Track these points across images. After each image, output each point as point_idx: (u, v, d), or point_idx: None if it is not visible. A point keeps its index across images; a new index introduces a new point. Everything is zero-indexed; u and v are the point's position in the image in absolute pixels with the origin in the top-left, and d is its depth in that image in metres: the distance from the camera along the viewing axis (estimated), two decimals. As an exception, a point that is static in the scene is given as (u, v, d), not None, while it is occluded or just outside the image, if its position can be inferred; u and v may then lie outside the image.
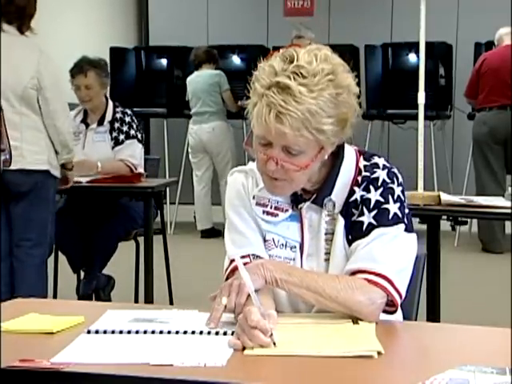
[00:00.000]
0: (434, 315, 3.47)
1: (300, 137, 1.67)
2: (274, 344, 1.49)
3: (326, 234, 1.82)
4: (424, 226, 3.49)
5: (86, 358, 1.46)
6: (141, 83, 8.37)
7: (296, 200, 1.85)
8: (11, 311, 1.77)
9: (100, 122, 4.70)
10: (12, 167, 3.65)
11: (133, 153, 4.66)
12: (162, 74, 8.25)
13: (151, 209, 4.50)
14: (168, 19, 9.15)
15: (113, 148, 4.66)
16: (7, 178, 3.68)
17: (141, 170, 4.69)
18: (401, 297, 1.75)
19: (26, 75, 3.70)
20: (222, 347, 1.51)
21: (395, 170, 1.83)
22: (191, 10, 9.10)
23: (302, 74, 1.67)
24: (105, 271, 4.65)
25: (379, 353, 1.46)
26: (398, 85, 7.68)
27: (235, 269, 1.81)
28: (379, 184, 1.80)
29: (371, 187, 1.80)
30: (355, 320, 1.68)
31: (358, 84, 1.77)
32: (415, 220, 2.98)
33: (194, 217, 7.85)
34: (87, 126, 4.72)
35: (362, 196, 1.80)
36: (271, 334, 1.50)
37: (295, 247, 1.84)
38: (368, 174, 1.81)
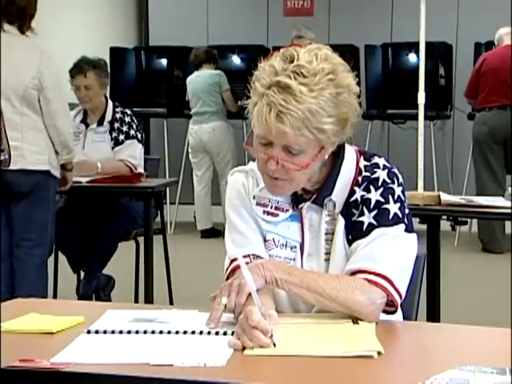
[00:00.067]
0: (434, 315, 3.47)
1: (300, 136, 1.67)
2: (274, 345, 1.49)
3: (326, 233, 1.82)
4: (424, 226, 3.49)
5: (86, 358, 1.46)
6: (141, 83, 8.37)
7: (296, 200, 1.85)
8: (11, 311, 1.77)
9: (100, 122, 4.70)
10: (13, 167, 3.65)
11: (133, 153, 4.66)
12: (161, 74, 8.25)
13: (151, 209, 4.50)
14: (168, 19, 9.15)
15: (113, 148, 4.66)
16: (8, 178, 3.68)
17: (141, 170, 4.69)
18: (401, 297, 1.75)
19: (27, 75, 3.70)
20: (222, 347, 1.51)
21: (395, 170, 1.84)
22: (191, 10, 9.10)
23: (302, 73, 1.67)
24: (105, 271, 4.65)
25: (379, 353, 1.46)
26: (398, 85, 7.68)
27: (235, 269, 1.81)
28: (379, 184, 1.80)
29: (371, 187, 1.80)
30: (355, 320, 1.68)
31: (358, 84, 1.77)
32: (415, 220, 2.98)
33: (194, 217, 7.85)
34: (87, 126, 4.72)
35: (362, 196, 1.80)
36: (271, 335, 1.50)
37: (295, 247, 1.84)
38: (368, 174, 1.81)
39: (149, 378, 1.37)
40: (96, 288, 4.56)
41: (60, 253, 4.64)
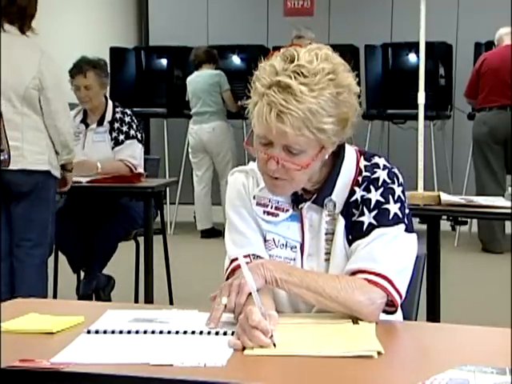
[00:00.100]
0: (434, 315, 3.47)
1: (301, 136, 1.67)
2: (274, 345, 1.49)
3: (326, 234, 1.82)
4: (424, 226, 3.49)
5: (86, 358, 1.46)
6: (141, 83, 8.37)
7: (296, 200, 1.85)
8: (11, 311, 1.77)
9: (100, 123, 4.70)
10: (13, 167, 3.65)
11: (133, 153, 4.66)
12: (161, 74, 8.25)
13: (151, 209, 4.50)
14: (168, 19, 9.15)
15: (113, 148, 4.66)
16: (8, 178, 3.68)
17: (141, 170, 4.69)
18: (401, 297, 1.75)
19: (28, 75, 3.70)
20: (222, 347, 1.51)
21: (396, 170, 1.84)
22: (191, 10, 9.10)
23: (302, 73, 1.67)
24: (105, 271, 4.65)
25: (379, 353, 1.46)
26: (398, 85, 7.68)
27: (235, 269, 1.81)
28: (380, 184, 1.80)
29: (372, 187, 1.80)
30: (355, 320, 1.68)
31: (358, 84, 1.77)
32: (415, 220, 2.98)
33: (194, 217, 7.85)
34: (87, 126, 4.72)
35: (362, 196, 1.80)
36: (271, 335, 1.50)
37: (296, 247, 1.84)
38: (368, 174, 1.81)
39: (149, 378, 1.37)
40: (96, 288, 4.56)
41: (60, 253, 4.64)
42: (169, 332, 1.61)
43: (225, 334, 1.59)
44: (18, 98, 3.71)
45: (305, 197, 1.84)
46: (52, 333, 1.63)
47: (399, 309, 1.81)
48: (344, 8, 8.70)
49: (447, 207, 3.43)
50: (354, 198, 1.81)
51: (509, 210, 3.30)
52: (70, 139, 3.89)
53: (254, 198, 1.88)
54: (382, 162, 1.83)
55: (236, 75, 7.52)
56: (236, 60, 8.24)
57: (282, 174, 1.73)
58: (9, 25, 3.70)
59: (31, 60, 3.72)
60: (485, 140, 6.73)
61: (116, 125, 4.68)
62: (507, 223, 6.58)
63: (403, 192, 1.82)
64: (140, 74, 8.42)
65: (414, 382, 1.29)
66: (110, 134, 4.68)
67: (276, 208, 1.86)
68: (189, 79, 7.55)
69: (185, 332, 1.61)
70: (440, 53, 7.38)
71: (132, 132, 4.69)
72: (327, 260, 1.82)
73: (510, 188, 3.51)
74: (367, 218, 1.78)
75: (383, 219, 1.77)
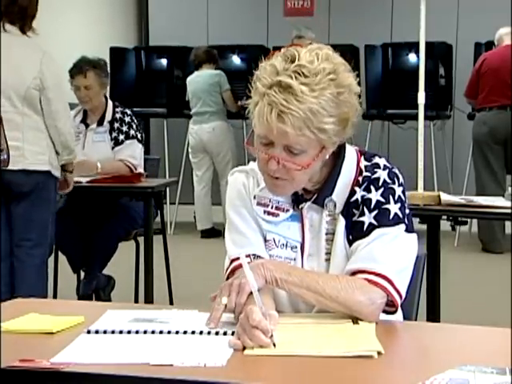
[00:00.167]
0: (434, 315, 3.47)
1: (302, 136, 1.67)
2: (274, 345, 1.49)
3: (326, 234, 1.82)
4: (424, 226, 3.49)
5: (86, 358, 1.46)
6: (141, 83, 8.37)
7: (297, 200, 1.85)
8: (11, 311, 1.77)
9: (100, 122, 4.70)
10: (14, 167, 3.65)
11: (133, 153, 4.66)
12: (161, 74, 8.25)
13: (151, 209, 4.50)
14: (168, 19, 9.15)
15: (113, 148, 4.66)
16: (9, 178, 3.68)
17: (141, 170, 4.69)
18: (401, 297, 1.75)
19: (29, 75, 3.70)
20: (222, 347, 1.51)
21: (396, 171, 1.84)
22: (191, 10, 9.10)
23: (303, 73, 1.67)
24: (105, 271, 4.65)
25: (379, 353, 1.46)
26: (398, 85, 7.68)
27: (236, 269, 1.81)
28: (380, 184, 1.80)
29: (372, 187, 1.80)
30: (355, 320, 1.68)
31: (358, 84, 1.77)
32: (415, 220, 2.98)
33: (194, 217, 7.85)
34: (87, 126, 4.72)
35: (362, 196, 1.80)
36: (271, 335, 1.50)
37: (296, 247, 1.84)
38: (369, 174, 1.81)
39: (149, 378, 1.37)
40: (96, 288, 4.56)
41: (60, 253, 4.64)
42: (169, 332, 1.61)
43: (225, 334, 1.59)
44: (18, 98, 3.71)
45: (305, 197, 1.84)
46: (52, 333, 1.63)
47: (399, 309, 1.81)
48: (344, 8, 8.70)
49: (447, 207, 3.43)
50: (354, 198, 1.81)
51: (509, 210, 3.30)
52: (71, 139, 3.89)
53: (254, 197, 1.88)
54: (382, 162, 1.83)
55: (236, 75, 7.52)
56: (236, 60, 8.24)
57: (282, 173, 1.73)
58: (10, 25, 3.70)
59: (32, 60, 3.72)
60: (485, 140, 6.73)
61: (116, 125, 4.68)
62: (507, 223, 6.58)
63: (403, 192, 1.82)
64: (140, 74, 8.42)
65: (413, 382, 1.29)
66: (110, 133, 4.68)
67: (276, 208, 1.86)
68: (189, 79, 7.55)
69: (185, 332, 1.61)
70: (440, 53, 7.38)
71: (132, 132, 4.69)
72: (327, 260, 1.82)
73: (510, 188, 3.51)
74: (367, 218, 1.78)
75: (383, 219, 1.77)
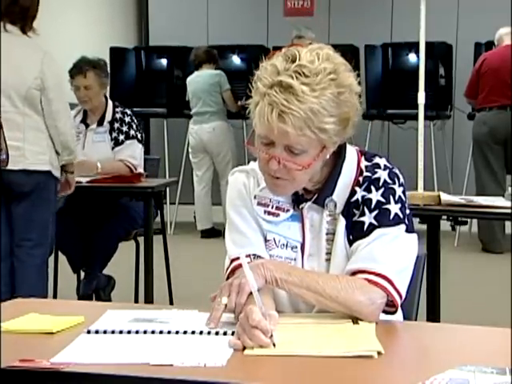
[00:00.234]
0: (434, 315, 3.47)
1: (302, 136, 1.67)
2: (274, 345, 1.49)
3: (327, 234, 1.82)
4: (424, 226, 3.49)
5: (86, 358, 1.46)
6: (141, 83, 8.37)
7: (297, 200, 1.85)
8: (11, 311, 1.77)
9: (100, 123, 4.70)
10: (14, 167, 3.65)
11: (133, 153, 4.66)
12: (161, 73, 8.25)
13: (151, 209, 4.50)
14: (168, 19, 9.15)
15: (113, 148, 4.66)
16: (9, 178, 3.68)
17: (141, 170, 4.69)
18: (401, 297, 1.75)
19: (30, 75, 3.70)
20: (222, 347, 1.51)
21: (396, 171, 1.84)
22: (191, 10, 9.10)
23: (304, 73, 1.67)
24: (105, 271, 4.65)
25: (379, 353, 1.46)
26: (398, 85, 7.68)
27: (236, 268, 1.81)
28: (380, 184, 1.80)
29: (372, 187, 1.80)
30: (355, 320, 1.68)
31: (358, 84, 1.77)
32: (415, 220, 2.98)
33: (194, 217, 7.85)
34: (87, 126, 4.72)
35: (363, 196, 1.80)
36: (271, 335, 1.50)
37: (296, 247, 1.84)
38: (369, 174, 1.81)
39: (149, 378, 1.37)
40: (96, 288, 4.56)
41: (60, 253, 4.64)
42: (169, 332, 1.61)
43: (225, 334, 1.59)
44: (19, 98, 3.71)
45: (305, 197, 1.84)
46: (52, 333, 1.63)
47: (399, 309, 1.81)
48: (344, 8, 8.70)
49: (447, 207, 3.43)
50: (354, 198, 1.81)
51: (509, 210, 3.30)
52: (71, 140, 3.88)
53: (254, 197, 1.88)
54: (382, 162, 1.83)
55: (236, 75, 7.52)
56: (236, 60, 8.24)
57: (283, 173, 1.73)
58: (11, 25, 3.71)
59: (33, 60, 3.72)
60: (485, 140, 6.73)
61: (116, 125, 4.68)
62: (507, 223, 6.58)
63: (404, 192, 1.82)
64: (140, 74, 8.43)
65: (413, 382, 1.29)
66: (110, 134, 4.68)
67: (277, 208, 1.86)
68: (189, 79, 7.55)
69: (185, 332, 1.61)
70: (440, 53, 7.38)
71: (132, 132, 4.69)
72: (328, 260, 1.82)
73: (510, 188, 3.51)
74: (368, 218, 1.78)
75: (384, 219, 1.77)
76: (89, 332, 1.63)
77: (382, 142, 8.11)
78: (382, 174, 1.81)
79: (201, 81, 7.44)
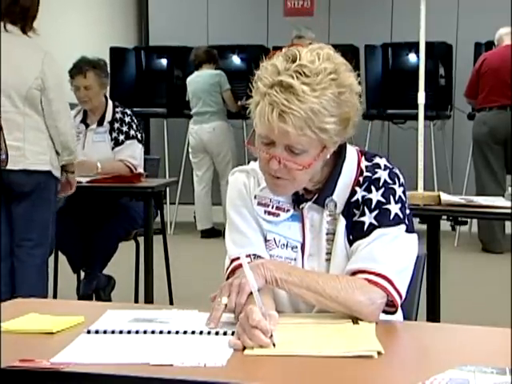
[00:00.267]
0: (434, 315, 3.47)
1: (303, 136, 1.67)
2: (274, 345, 1.49)
3: (327, 234, 1.82)
4: (424, 226, 3.49)
5: (86, 358, 1.46)
6: (141, 83, 8.37)
7: (297, 200, 1.85)
8: (11, 311, 1.77)
9: (100, 123, 4.70)
10: (15, 167, 3.65)
11: (133, 153, 4.66)
12: (161, 74, 8.25)
13: (151, 209, 4.50)
14: (168, 19, 9.15)
15: (113, 148, 4.66)
16: (10, 178, 3.68)
17: (141, 170, 4.69)
18: (401, 297, 1.75)
19: (31, 76, 3.70)
20: (222, 347, 1.51)
21: (397, 171, 1.84)
22: (191, 10, 9.10)
23: (304, 73, 1.67)
24: (105, 271, 4.65)
25: (379, 353, 1.46)
26: (398, 85, 7.68)
27: (236, 268, 1.81)
28: (380, 184, 1.80)
29: (372, 187, 1.80)
30: (355, 320, 1.68)
31: (359, 84, 1.77)
32: (415, 220, 2.98)
33: (194, 217, 7.85)
34: (87, 126, 4.72)
35: (363, 196, 1.80)
36: (271, 335, 1.50)
37: (296, 247, 1.84)
38: (369, 174, 1.81)
39: (149, 378, 1.37)
40: (96, 288, 4.56)
41: (60, 253, 4.64)
42: (169, 332, 1.61)
43: (225, 334, 1.59)
44: (20, 98, 3.71)
45: (306, 197, 1.84)
46: (52, 333, 1.63)
47: (399, 309, 1.81)
48: (344, 8, 8.70)
49: (447, 207, 3.43)
50: (354, 198, 1.81)
51: (509, 210, 3.30)
52: (72, 140, 3.88)
53: (254, 197, 1.88)
54: (383, 162, 1.83)
55: (236, 75, 7.52)
56: (236, 60, 8.24)
57: (283, 173, 1.73)
58: (11, 25, 3.71)
59: (34, 60, 3.72)
60: (485, 140, 6.73)
61: (116, 125, 4.68)
62: (507, 223, 6.58)
63: (404, 192, 1.82)
64: (140, 74, 8.42)
65: (413, 382, 1.29)
66: (110, 134, 4.68)
67: (277, 208, 1.86)
68: (189, 79, 7.55)
69: (185, 332, 1.61)
70: (440, 53, 7.38)
71: (132, 132, 4.69)
72: (328, 260, 1.82)
73: (510, 188, 3.51)
74: (368, 218, 1.78)
75: (384, 219, 1.77)
76: (89, 332, 1.63)
77: (381, 142, 8.11)
78: (383, 174, 1.81)
79: (201, 81, 7.44)
